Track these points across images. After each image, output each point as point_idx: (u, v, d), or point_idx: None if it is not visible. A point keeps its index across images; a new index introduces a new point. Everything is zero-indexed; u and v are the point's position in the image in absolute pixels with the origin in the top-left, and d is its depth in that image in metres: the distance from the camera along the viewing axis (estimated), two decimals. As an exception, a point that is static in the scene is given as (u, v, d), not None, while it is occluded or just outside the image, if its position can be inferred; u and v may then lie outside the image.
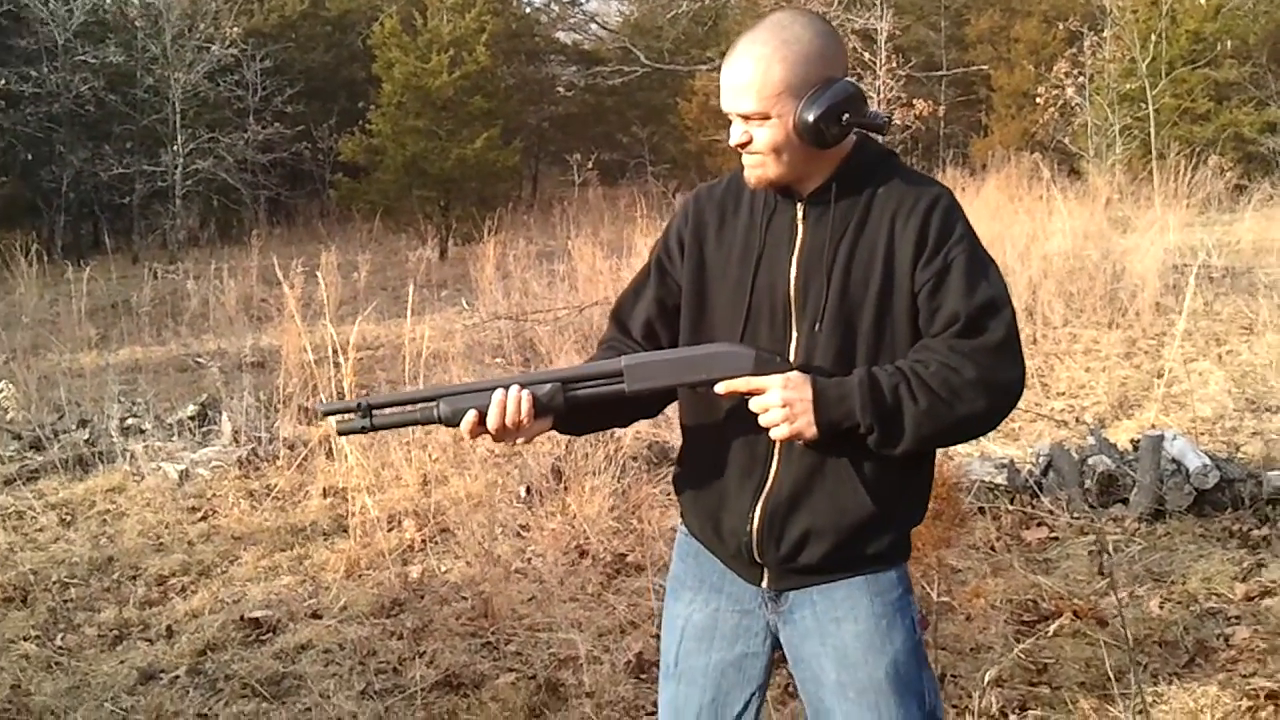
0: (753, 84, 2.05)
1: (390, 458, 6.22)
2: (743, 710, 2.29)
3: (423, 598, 4.77)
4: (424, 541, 5.40)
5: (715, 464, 2.22)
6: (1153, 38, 18.84)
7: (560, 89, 28.47)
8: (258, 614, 4.66)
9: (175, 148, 20.40)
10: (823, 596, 2.19)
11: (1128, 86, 19.10)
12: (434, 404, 2.11)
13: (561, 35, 32.34)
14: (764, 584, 2.22)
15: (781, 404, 2.03)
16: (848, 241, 2.12)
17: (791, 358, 2.12)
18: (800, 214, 2.16)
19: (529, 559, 5.16)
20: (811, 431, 2.03)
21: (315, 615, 4.67)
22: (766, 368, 2.06)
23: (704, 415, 2.23)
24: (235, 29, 21.12)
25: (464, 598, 4.74)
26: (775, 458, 2.14)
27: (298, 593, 4.91)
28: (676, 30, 26.75)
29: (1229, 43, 20.34)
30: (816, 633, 2.20)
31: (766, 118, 2.06)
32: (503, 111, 21.79)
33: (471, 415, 2.08)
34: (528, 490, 5.78)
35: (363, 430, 2.12)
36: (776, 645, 2.29)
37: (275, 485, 6.23)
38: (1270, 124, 19.92)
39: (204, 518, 5.92)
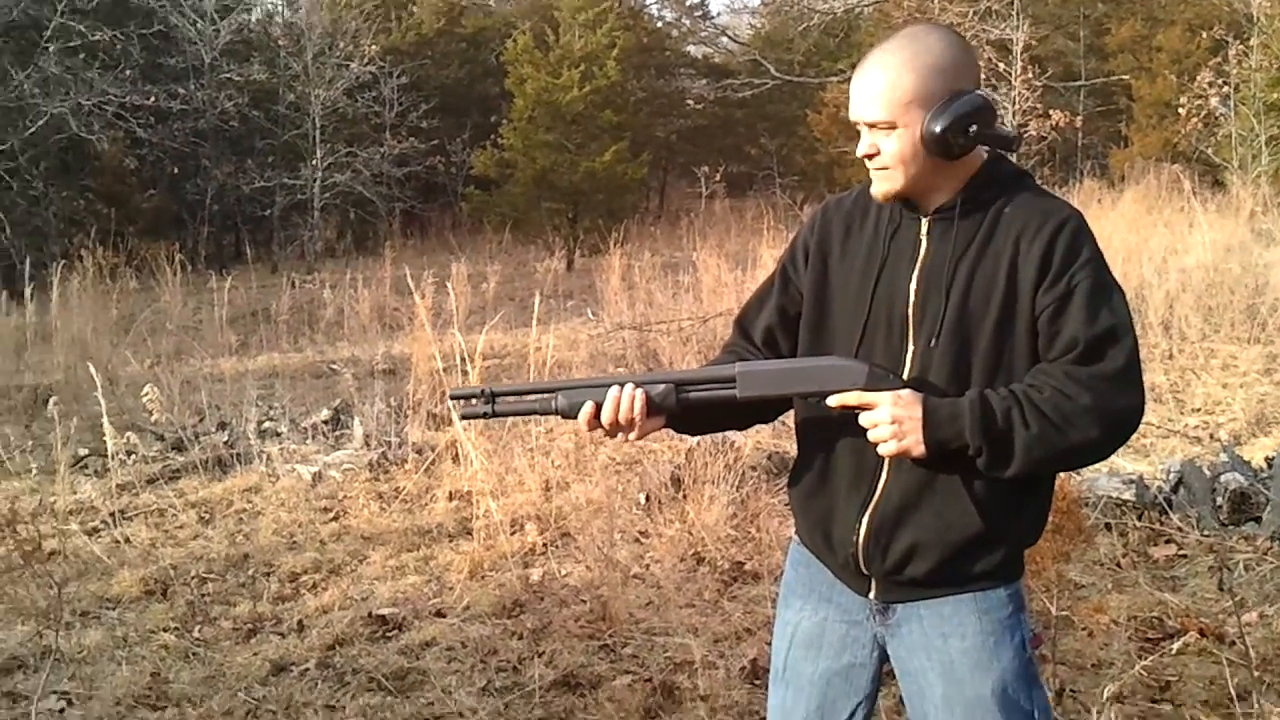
0: (881, 92, 2.06)
1: (514, 463, 6.34)
2: (849, 719, 2.30)
3: (543, 599, 4.85)
4: (545, 545, 5.49)
5: (826, 474, 2.23)
6: (1302, 44, 18.22)
7: (690, 102, 28.62)
8: (384, 611, 4.80)
9: (314, 162, 21.05)
10: (930, 612, 2.19)
11: (1275, 96, 18.46)
12: (552, 396, 2.19)
13: (692, 49, 32.55)
14: (871, 595, 2.22)
15: (891, 420, 2.03)
16: (970, 259, 2.10)
17: (906, 372, 2.12)
18: (925, 229, 2.15)
19: (647, 565, 5.22)
20: (920, 450, 2.03)
21: (439, 614, 4.79)
22: (879, 383, 2.06)
23: (817, 425, 2.24)
24: (374, 47, 21.72)
25: (583, 601, 4.81)
26: (884, 470, 2.14)
27: (423, 592, 5.04)
28: (808, 42, 26.63)
29: (1381, 48, 19.53)
30: (924, 647, 2.20)
31: (894, 127, 2.07)
32: (631, 125, 22.01)
33: (589, 407, 2.15)
34: (647, 498, 5.84)
35: (484, 416, 2.20)
36: (885, 658, 2.28)
37: (403, 488, 6.39)
38: None
39: (335, 518, 6.11)
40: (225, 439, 7.31)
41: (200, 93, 20.88)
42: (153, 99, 19.24)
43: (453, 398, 2.30)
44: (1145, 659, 3.86)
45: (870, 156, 2.12)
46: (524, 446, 6.50)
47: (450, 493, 6.23)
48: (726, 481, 5.64)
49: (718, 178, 19.81)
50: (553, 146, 19.73)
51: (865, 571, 2.19)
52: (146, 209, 21.13)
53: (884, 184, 2.13)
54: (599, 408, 2.15)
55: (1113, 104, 25.56)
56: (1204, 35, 19.42)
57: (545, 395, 2.20)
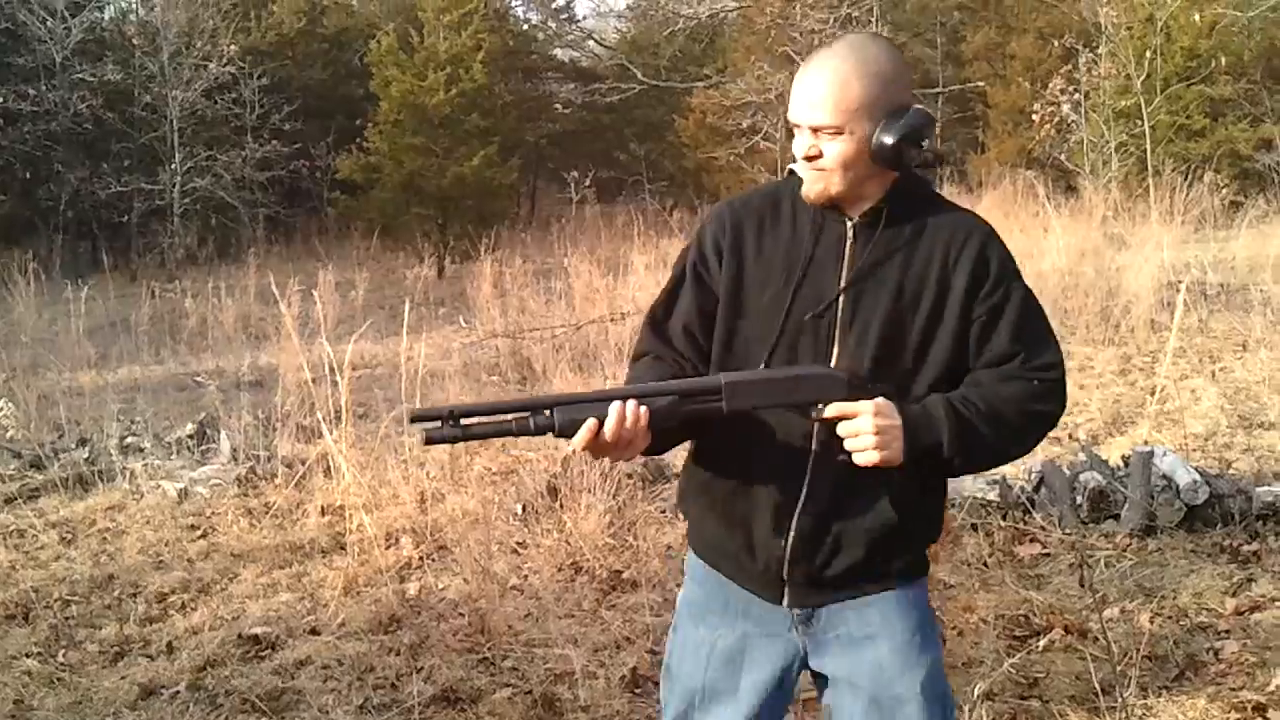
0: (830, 97, 2.09)
1: (388, 476, 6.26)
2: None
3: (420, 614, 4.81)
4: (421, 559, 5.44)
5: (742, 476, 2.23)
6: (1148, 54, 18.93)
7: (558, 106, 28.59)
8: (257, 630, 4.70)
9: (173, 166, 20.49)
10: (855, 614, 2.24)
11: (1123, 103, 19.18)
12: (530, 415, 2.05)
13: (559, 52, 32.50)
14: (785, 603, 2.25)
15: (874, 431, 2.05)
16: (899, 264, 2.17)
17: None
18: (850, 233, 2.20)
19: (525, 576, 5.20)
20: (899, 458, 2.07)
21: (314, 631, 4.71)
22: (858, 393, 2.08)
23: (729, 430, 2.19)
24: (232, 47, 21.18)
25: (461, 614, 4.77)
26: (809, 471, 2.17)
27: (296, 609, 4.95)
28: (673, 47, 26.85)
29: (1224, 59, 20.40)
30: (852, 651, 2.25)
31: (840, 132, 2.10)
32: (500, 129, 21.90)
33: (592, 423, 2.03)
34: (524, 508, 5.82)
35: (453, 440, 2.04)
36: (804, 665, 2.32)
37: (274, 503, 6.27)
38: (1265, 140, 20.01)
39: (203, 535, 5.96)
40: (86, 455, 7.08)
41: (52, 93, 20.22)
42: (1, 99, 18.54)
43: (413, 420, 2.08)
44: (1013, 656, 3.98)
45: (811, 159, 2.14)
46: (397, 458, 6.43)
47: (322, 507, 6.12)
48: (603, 490, 5.65)
49: (588, 183, 19.76)
50: (420, 150, 19.54)
51: (785, 577, 2.21)
52: (-4, 215, 20.38)
53: (819, 185, 2.16)
54: (600, 424, 2.03)
55: (970, 110, 26.27)
56: (1055, 44, 20.10)
57: (522, 415, 2.06)
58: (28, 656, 4.52)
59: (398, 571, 5.28)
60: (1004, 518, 5.48)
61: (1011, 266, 2.19)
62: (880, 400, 2.07)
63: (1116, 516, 5.40)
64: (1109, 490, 5.48)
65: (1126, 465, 5.63)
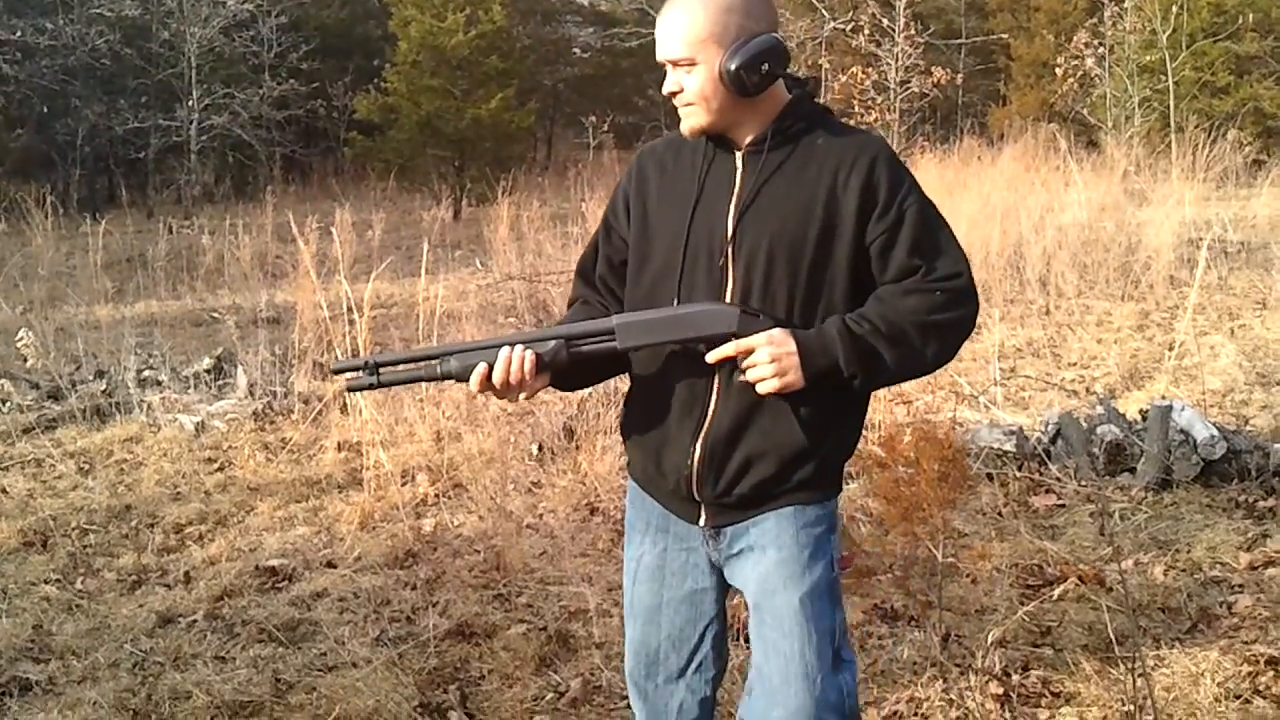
0: (678, 30, 2.19)
1: (404, 414, 6.28)
2: (699, 642, 2.45)
3: (435, 550, 4.84)
4: (437, 496, 5.46)
5: (657, 404, 2.34)
6: (1174, 9, 18.69)
7: (576, 50, 28.42)
8: (273, 562, 4.73)
9: (190, 103, 20.42)
10: (755, 528, 2.32)
11: (1148, 58, 18.98)
12: (438, 361, 2.25)
13: (578, -4, 32.19)
14: (702, 522, 2.35)
15: (770, 360, 2.15)
16: (785, 189, 2.23)
17: (728, 299, 2.23)
18: (739, 163, 2.27)
19: (540, 515, 5.23)
20: (799, 383, 2.17)
21: (330, 565, 4.74)
22: (750, 325, 2.17)
23: (647, 359, 2.35)
24: (251, -17, 21.06)
25: (476, 551, 4.80)
26: (714, 395, 2.26)
27: (313, 543, 4.98)
28: (695, -7, 26.55)
29: (1251, 16, 20.16)
30: (747, 561, 2.34)
31: (693, 64, 2.20)
32: (518, 72, 21.74)
33: (482, 368, 2.22)
34: (539, 448, 5.84)
35: (370, 387, 2.25)
36: (725, 582, 2.43)
37: (290, 438, 6.30)
38: (1290, 99, 19.81)
39: (220, 468, 6.00)
40: (103, 388, 7.11)
41: (69, 28, 20.08)
42: (18, 33, 18.47)
43: (335, 371, 2.36)
44: (1027, 605, 3.99)
45: (674, 94, 2.24)
46: (414, 397, 6.44)
47: (339, 443, 6.15)
48: (619, 432, 5.64)
49: (605, 128, 19.66)
50: (438, 92, 19.40)
51: (696, 498, 2.32)
52: (14, 149, 20.37)
53: (690, 120, 2.26)
54: (491, 369, 2.22)
55: (992, 62, 26.02)
56: (1081, -4, 19.86)
57: (431, 361, 2.27)
58: (46, 583, 4.57)
59: (413, 508, 5.31)
60: (1020, 468, 5.47)
61: (904, 182, 2.23)
62: (774, 331, 2.16)
63: (1132, 470, 5.39)
64: (1126, 443, 5.47)
65: (1144, 419, 5.61)
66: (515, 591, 4.43)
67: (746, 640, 2.45)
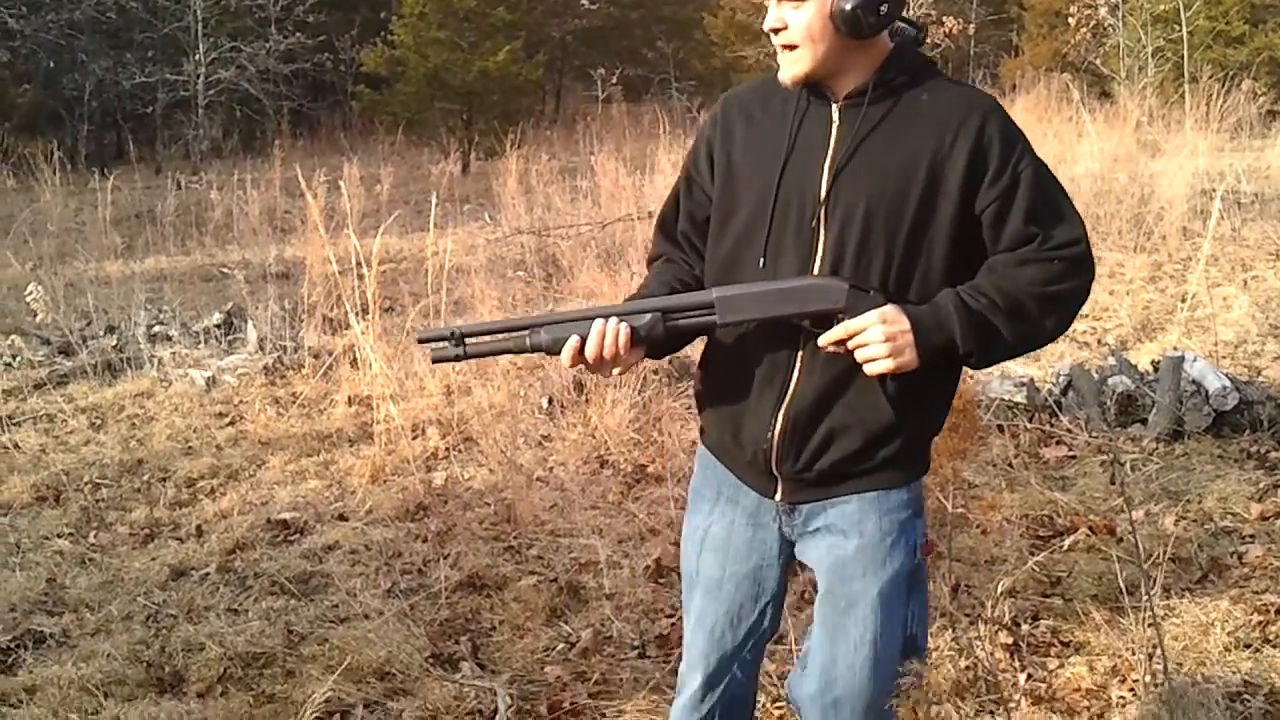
0: None
1: (414, 368, 6.28)
2: (757, 620, 2.33)
3: (446, 503, 4.86)
4: (448, 449, 5.48)
5: (736, 372, 2.21)
6: (1189, -43, 18.48)
7: (584, 2, 28.12)
8: (285, 516, 4.76)
9: (197, 57, 20.27)
10: (835, 511, 2.20)
11: (1161, 7, 18.73)
12: (527, 333, 2.13)
13: (586, -54, 31.87)
14: (778, 497, 2.23)
15: (883, 339, 2.01)
16: (886, 147, 2.07)
17: (818, 263, 2.09)
18: (835, 116, 2.11)
19: (551, 468, 5.24)
20: (914, 364, 2.03)
21: (341, 518, 4.77)
22: (858, 301, 2.03)
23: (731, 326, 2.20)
24: (256, -65, 20.88)
25: (487, 503, 4.82)
26: (797, 367, 2.13)
27: (324, 496, 5.01)
28: (705, -58, 26.32)
29: (1267, -39, 19.94)
30: (823, 543, 2.23)
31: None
32: (525, 24, 21.55)
33: (574, 342, 2.08)
34: (549, 401, 5.85)
35: (456, 358, 2.14)
36: (792, 558, 2.32)
37: (301, 393, 6.31)
38: (1305, 48, 19.57)
39: (231, 423, 6.02)
40: (114, 343, 7.13)
41: (74, -19, 19.96)
42: (24, -12, 18.37)
43: (420, 340, 2.21)
44: (1037, 555, 3.98)
45: (777, 31, 2.07)
46: (423, 351, 6.43)
47: (349, 397, 6.16)
48: (629, 385, 5.66)
49: (614, 81, 19.49)
50: (445, 44, 19.25)
51: (774, 471, 2.19)
52: (21, 104, 20.29)
53: (792, 67, 2.08)
54: (583, 342, 2.09)
55: (1004, 12, 25.74)
56: (1095, -55, 19.59)
57: (521, 332, 2.14)
58: (59, 537, 4.61)
59: (424, 461, 5.33)
60: (1030, 420, 5.46)
61: (1017, 143, 2.08)
62: (886, 308, 2.02)
63: (1144, 421, 5.38)
64: (1137, 395, 5.46)
65: (1156, 370, 5.59)
66: (526, 544, 4.45)
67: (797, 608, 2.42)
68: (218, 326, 7.38)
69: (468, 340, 2.13)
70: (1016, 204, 2.05)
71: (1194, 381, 5.39)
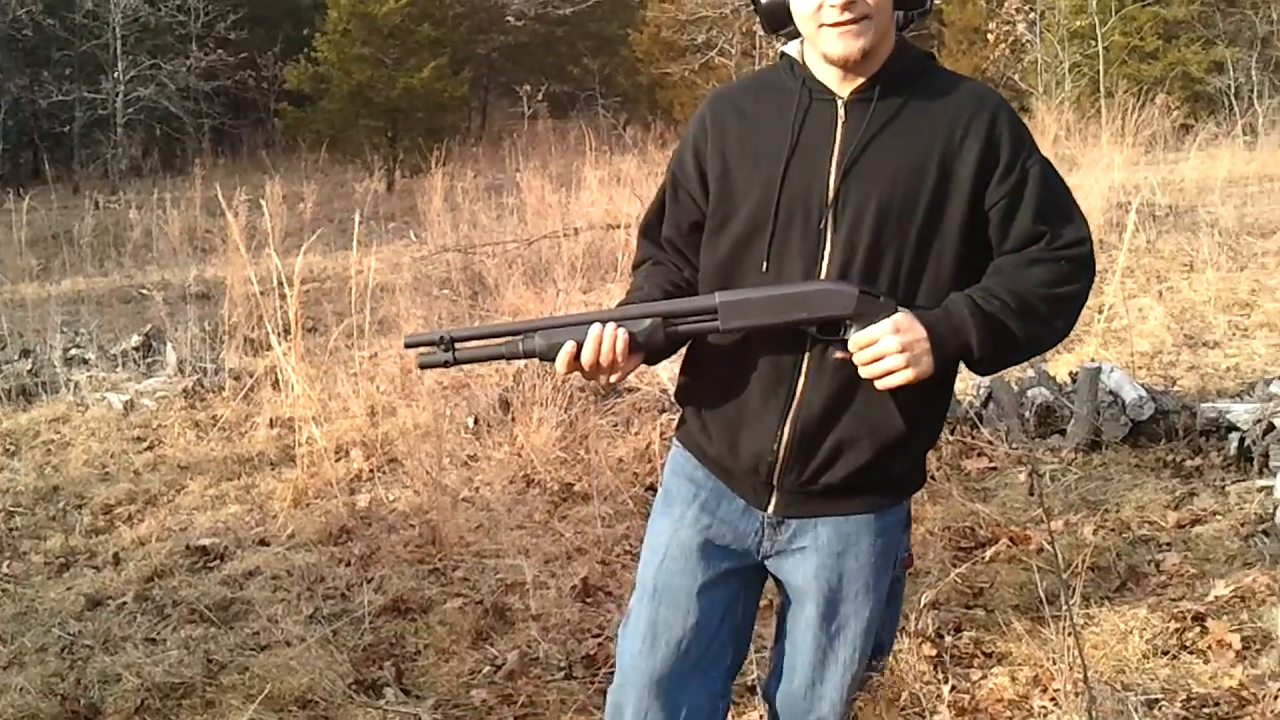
0: None
1: (338, 389, 6.21)
2: (724, 633, 2.23)
3: (370, 526, 4.80)
4: (371, 471, 5.42)
5: (735, 379, 2.10)
6: (1103, -27, 18.88)
7: (510, 18, 28.06)
8: (205, 541, 4.68)
9: (115, 74, 20.01)
10: (828, 529, 2.14)
11: (1078, 23, 19.14)
12: (520, 338, 2.04)
13: (512, -37, 31.83)
14: (770, 509, 2.15)
15: (899, 349, 1.93)
16: (897, 145, 2.00)
17: (825, 266, 2.01)
18: (841, 113, 2.02)
19: (476, 488, 5.20)
20: (931, 371, 1.96)
21: (263, 543, 4.69)
22: (869, 307, 1.95)
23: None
24: (177, -50, 20.64)
25: (411, 526, 4.77)
26: (803, 373, 2.04)
27: (245, 521, 4.93)
28: (629, -41, 26.46)
29: (1178, -22, 20.45)
30: (813, 564, 2.16)
31: None
32: (451, 40, 21.52)
33: (570, 347, 1.99)
34: (475, 421, 5.81)
35: (445, 364, 2.06)
36: (764, 571, 2.25)
37: (221, 416, 6.21)
38: (1217, 63, 20.02)
39: (149, 447, 5.92)
40: (29, 367, 6.97)
41: (-13, -2, 19.61)
42: (-65, 5, 18.00)
43: (408, 345, 2.10)
44: (959, 566, 4.03)
45: (848, 4, 1.92)
46: (348, 372, 6.37)
47: (271, 420, 6.08)
48: (555, 404, 5.63)
49: (540, 97, 19.51)
50: (369, 61, 19.16)
51: (774, 483, 2.11)
52: (-67, 123, 19.83)
53: (860, 39, 1.95)
54: (580, 348, 2.00)
55: (926, 28, 26.09)
56: (1012, -38, 19.94)
57: (513, 337, 2.05)
58: (-29, 567, 4.49)
59: (348, 484, 5.26)
60: (952, 432, 5.52)
61: (1026, 139, 2.03)
62: (899, 316, 1.94)
63: (1063, 432, 5.46)
64: (1056, 406, 5.54)
65: (1074, 382, 5.68)
66: (451, 566, 4.41)
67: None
68: (136, 349, 7.26)
69: (458, 345, 2.05)
70: (1025, 201, 2.01)
71: (1111, 392, 5.48)
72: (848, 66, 1.99)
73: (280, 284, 6.08)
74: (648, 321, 2.02)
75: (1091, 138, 14.74)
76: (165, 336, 7.42)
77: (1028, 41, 19.34)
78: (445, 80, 19.68)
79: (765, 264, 2.03)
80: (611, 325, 1.99)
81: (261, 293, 6.54)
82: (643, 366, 2.12)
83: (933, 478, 5.07)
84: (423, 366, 2.10)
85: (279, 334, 5.92)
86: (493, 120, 28.49)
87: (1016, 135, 2.02)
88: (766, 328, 2.01)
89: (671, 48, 22.20)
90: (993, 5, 20.12)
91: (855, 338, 1.95)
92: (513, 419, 5.68)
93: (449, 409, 6.03)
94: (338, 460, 5.47)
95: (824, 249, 2.01)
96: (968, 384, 6.08)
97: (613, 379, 2.05)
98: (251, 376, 6.57)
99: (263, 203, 8.69)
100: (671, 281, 2.17)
